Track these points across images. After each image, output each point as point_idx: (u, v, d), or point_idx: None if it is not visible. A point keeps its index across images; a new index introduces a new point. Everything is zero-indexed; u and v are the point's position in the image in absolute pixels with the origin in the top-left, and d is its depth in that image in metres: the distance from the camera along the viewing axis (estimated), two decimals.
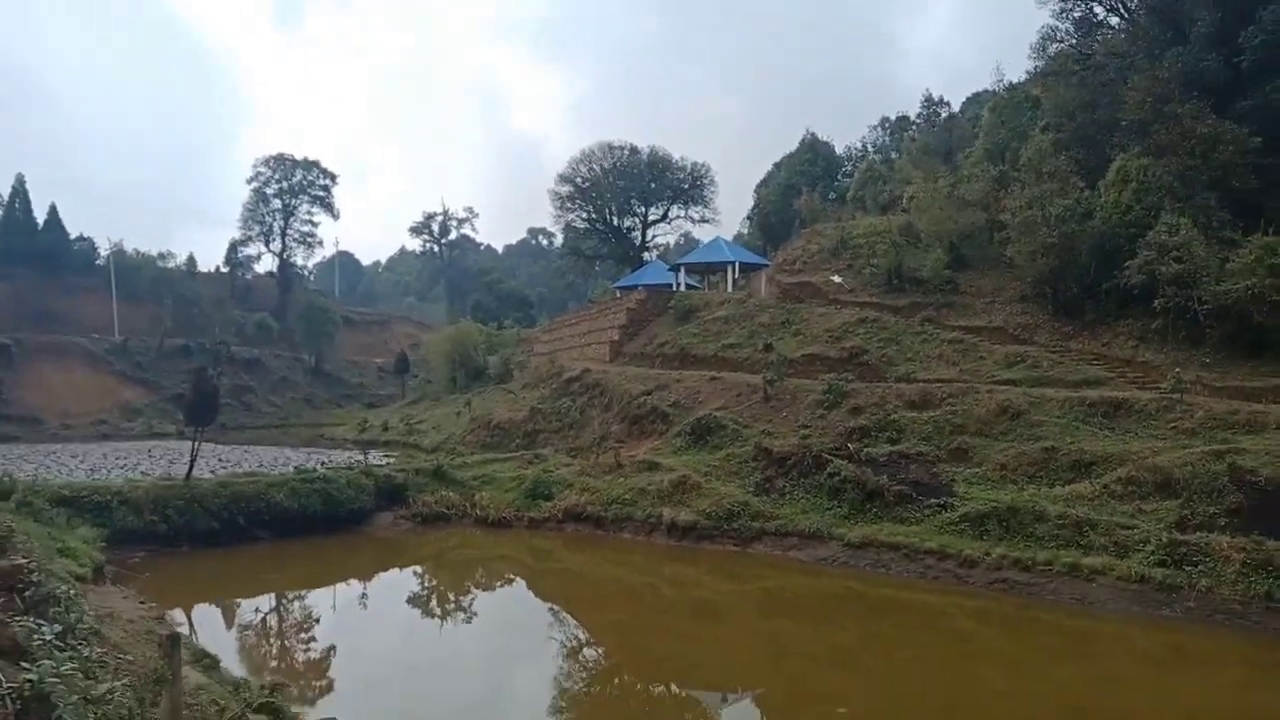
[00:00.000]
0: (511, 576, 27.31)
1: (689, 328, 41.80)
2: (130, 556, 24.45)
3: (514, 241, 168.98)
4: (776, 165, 76.67)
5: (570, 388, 40.91)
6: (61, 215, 77.47)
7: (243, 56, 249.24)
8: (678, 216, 72.56)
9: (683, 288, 50.92)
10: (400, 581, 27.21)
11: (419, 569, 28.32)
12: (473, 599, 25.74)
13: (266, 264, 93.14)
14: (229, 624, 22.93)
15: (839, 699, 15.83)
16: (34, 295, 71.68)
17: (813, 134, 70.62)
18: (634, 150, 69.67)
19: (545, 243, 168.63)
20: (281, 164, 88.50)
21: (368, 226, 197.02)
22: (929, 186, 42.58)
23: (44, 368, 62.22)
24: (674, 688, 17.16)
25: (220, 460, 40.36)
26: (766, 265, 50.42)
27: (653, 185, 70.16)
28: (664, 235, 79.04)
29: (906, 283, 38.88)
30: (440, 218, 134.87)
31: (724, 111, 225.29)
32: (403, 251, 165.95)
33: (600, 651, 20.14)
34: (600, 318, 48.66)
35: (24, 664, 4.72)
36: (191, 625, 20.53)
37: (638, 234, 73.07)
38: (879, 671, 17.08)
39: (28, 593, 7.09)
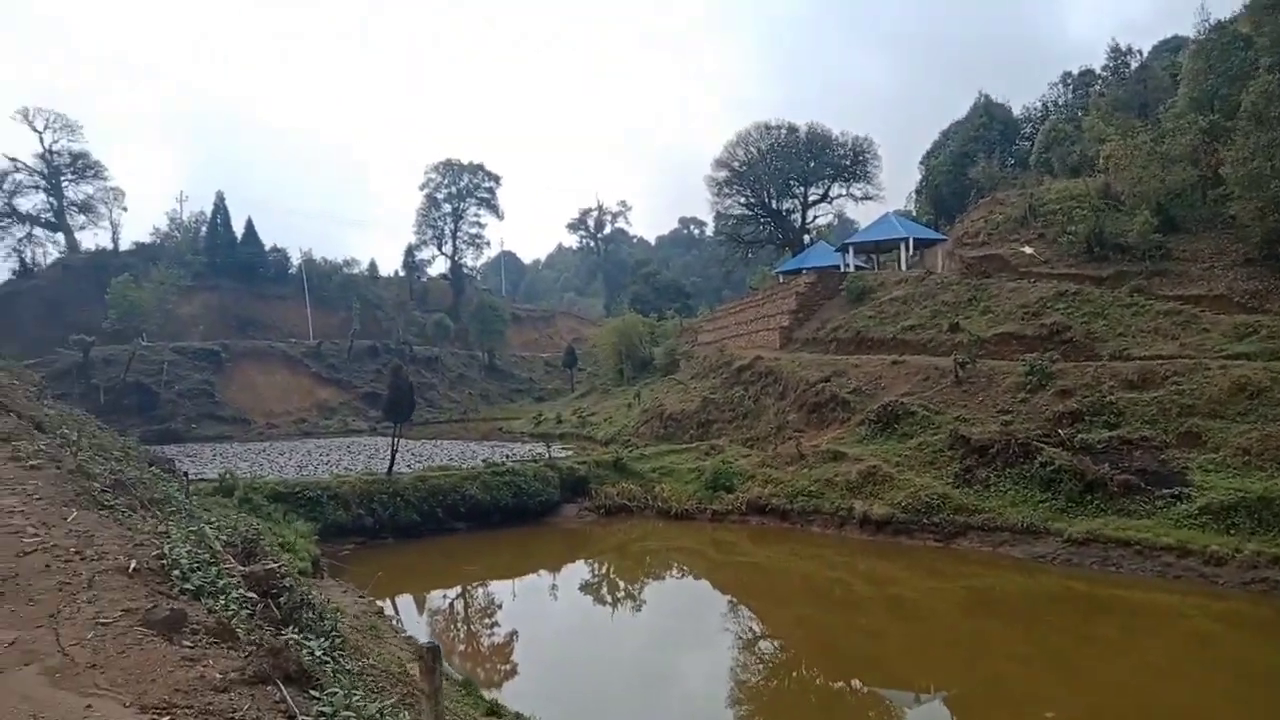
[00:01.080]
0: (694, 569, 27.11)
1: (864, 310, 40.11)
2: (341, 549, 26.03)
3: (666, 232, 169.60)
4: (944, 134, 72.63)
5: (741, 376, 40.27)
6: (256, 229, 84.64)
7: (407, 70, 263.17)
8: (839, 195, 70.17)
9: (851, 269, 49.05)
10: (587, 572, 27.66)
11: (604, 560, 28.67)
12: (655, 590, 25.73)
13: (439, 267, 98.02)
14: (431, 612, 24.07)
15: (1047, 703, 14.53)
16: (237, 304, 78.81)
17: (986, 96, 66.19)
18: (791, 129, 67.83)
19: (697, 231, 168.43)
20: (450, 169, 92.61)
21: (527, 226, 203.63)
22: (1127, 144, 38.73)
23: (249, 371, 68.06)
24: (858, 684, 16.59)
25: (412, 455, 42.51)
26: (943, 240, 47.69)
27: (812, 164, 68.07)
28: (824, 216, 76.86)
29: (1109, 250, 35.53)
30: (595, 213, 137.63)
31: (874, 84, 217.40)
32: (560, 248, 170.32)
33: (779, 645, 19.64)
34: (767, 304, 47.64)
35: (313, 692, 4.58)
36: (398, 613, 21.59)
37: (797, 217, 71.24)
38: (1097, 677, 15.46)
39: (282, 599, 7.15)
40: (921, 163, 71.23)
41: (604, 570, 27.63)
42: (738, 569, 26.39)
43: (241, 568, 7.26)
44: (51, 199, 79.44)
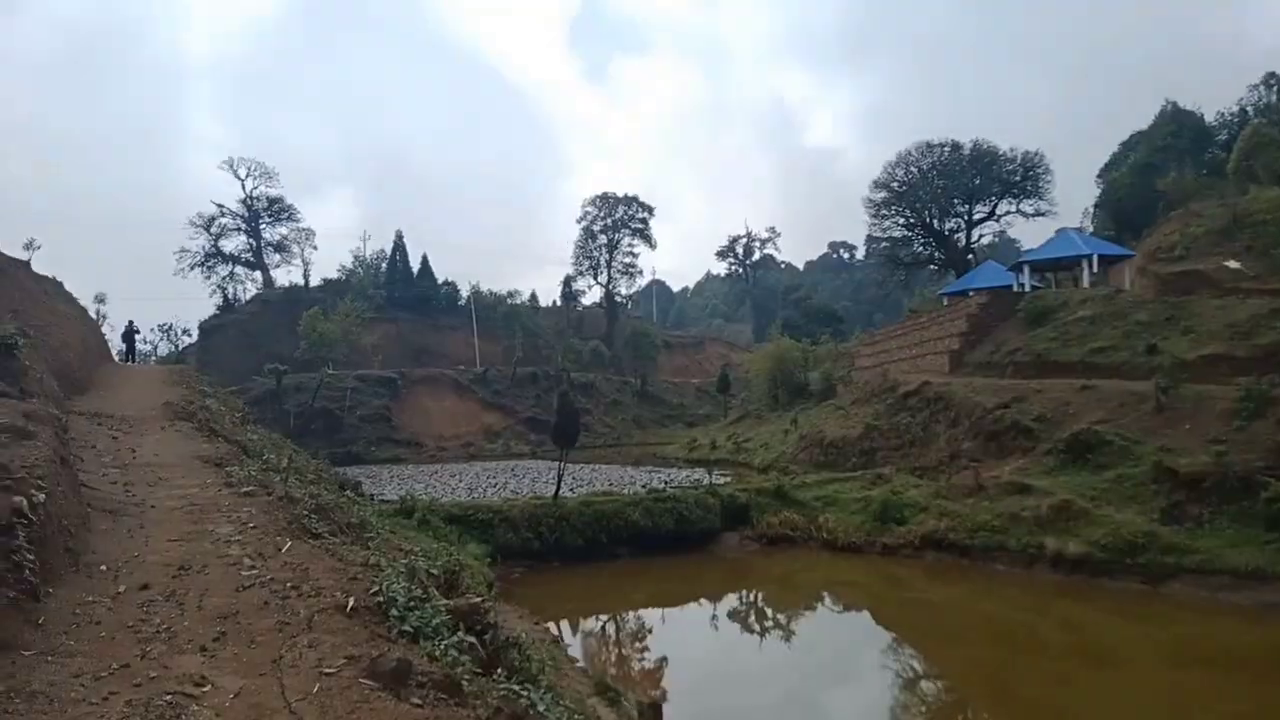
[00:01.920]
0: (863, 604, 25.89)
1: (1044, 331, 37.43)
2: (511, 572, 26.60)
3: (814, 257, 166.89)
4: (1125, 145, 67.79)
5: (908, 402, 38.43)
6: (430, 264, 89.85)
7: (558, 113, 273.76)
8: (1007, 212, 66.31)
9: (1026, 289, 46.04)
10: (749, 603, 26.98)
11: (767, 591, 27.86)
12: (819, 624, 24.87)
13: (593, 295, 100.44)
14: (597, 638, 24.10)
15: None
16: (412, 334, 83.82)
17: (1173, 104, 61.12)
18: (955, 146, 64.84)
19: (847, 256, 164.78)
20: (605, 202, 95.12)
21: (674, 254, 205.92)
22: None
23: (422, 397, 71.78)
24: None
25: (573, 478, 43.21)
26: (1130, 256, 43.98)
27: (977, 181, 64.79)
28: (988, 235, 72.96)
29: None
30: (744, 240, 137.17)
31: (1034, 98, 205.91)
32: (708, 275, 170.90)
33: (944, 685, 18.58)
34: (933, 326, 45.42)
35: None
36: (562, 636, 21.72)
37: (960, 237, 67.92)
38: None
39: (486, 635, 6.95)
40: (1099, 176, 66.57)
41: (766, 602, 26.89)
42: (911, 606, 24.95)
43: (445, 600, 7.21)
44: (251, 240, 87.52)
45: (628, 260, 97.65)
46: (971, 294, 49.28)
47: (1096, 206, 63.31)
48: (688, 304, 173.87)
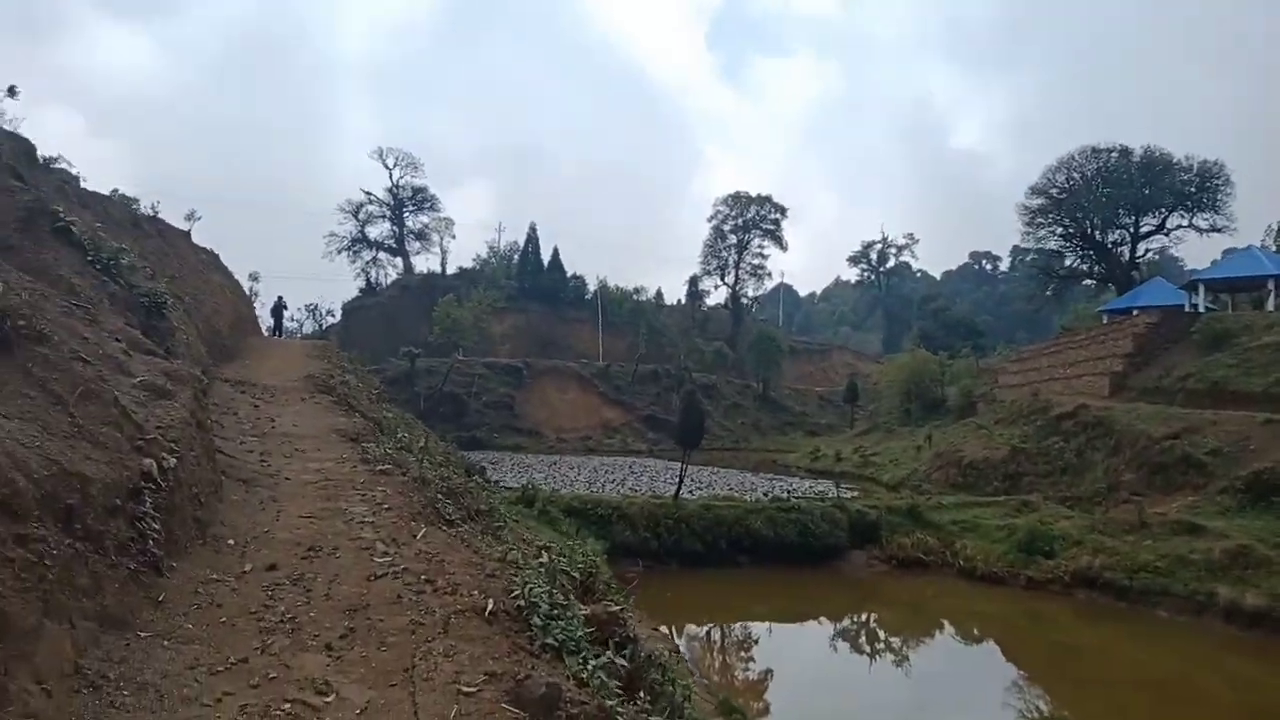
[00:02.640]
0: (1000, 640, 23.85)
1: (1223, 357, 33.83)
2: (628, 570, 25.99)
3: (953, 267, 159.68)
4: None
5: (1061, 425, 35.53)
6: (561, 257, 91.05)
7: (693, 111, 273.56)
8: (1178, 226, 60.74)
9: (1200, 309, 41.94)
10: (874, 626, 25.42)
11: (895, 616, 26.19)
12: (946, 654, 23.17)
13: (717, 296, 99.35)
14: (706, 645, 23.21)
15: None
16: (541, 326, 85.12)
17: None
18: (1124, 152, 59.83)
19: (989, 267, 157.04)
20: (738, 201, 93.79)
21: (802, 258, 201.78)
22: None
23: (545, 388, 72.69)
24: None
25: (691, 480, 42.40)
26: None
27: (1147, 191, 59.65)
28: (1154, 252, 67.28)
29: None
30: (879, 246, 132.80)
31: (1210, 103, 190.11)
32: (838, 282, 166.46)
33: None
34: (1092, 345, 41.97)
35: None
36: (677, 640, 20.96)
37: (1123, 250, 62.85)
38: None
39: (625, 650, 6.11)
40: None
41: (891, 627, 25.23)
42: (1051, 647, 22.77)
43: (581, 606, 6.48)
44: (394, 227, 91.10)
45: (756, 262, 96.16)
46: (1136, 313, 45.35)
47: None
48: (814, 310, 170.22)
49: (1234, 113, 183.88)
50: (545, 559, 6.49)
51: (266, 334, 31.72)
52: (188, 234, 21.25)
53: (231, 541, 5.70)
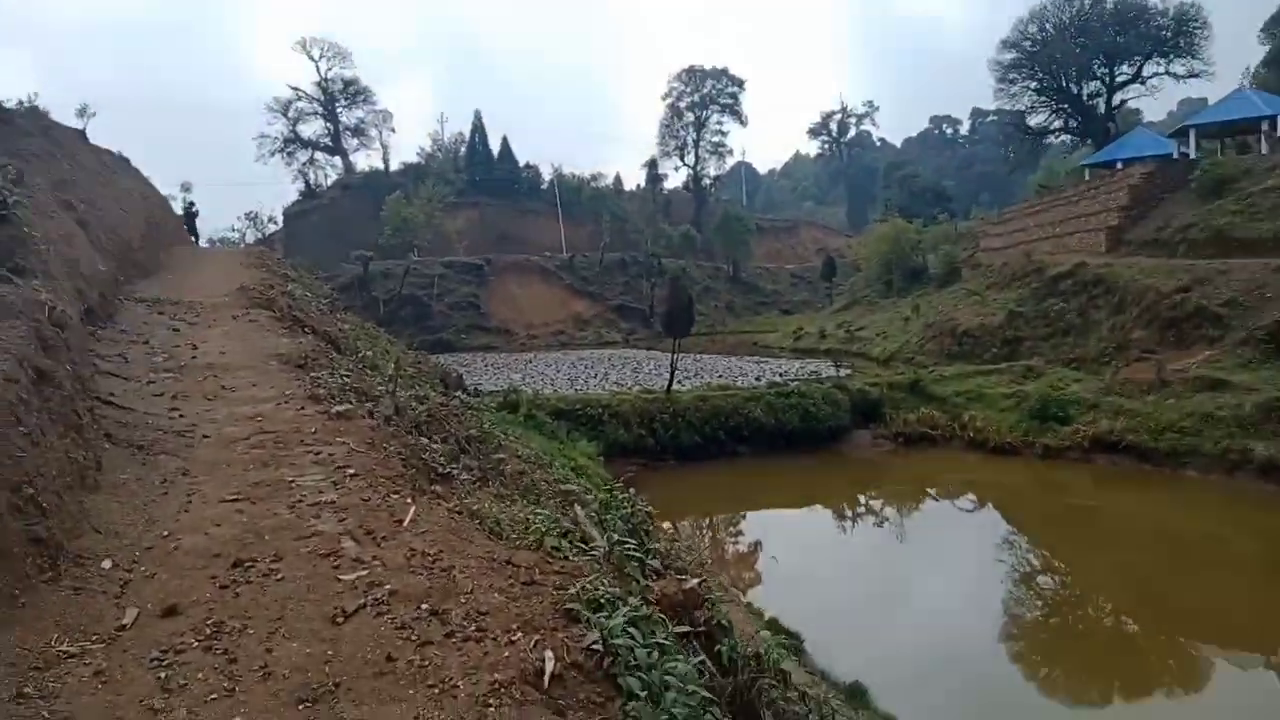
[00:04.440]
0: (1011, 508, 22.82)
1: (1225, 204, 32.16)
2: (624, 471, 24.34)
3: (914, 134, 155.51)
4: None
5: (1059, 286, 33.94)
6: (511, 147, 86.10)
7: None
8: (1154, 74, 58.05)
9: (1192, 157, 40.06)
10: (882, 504, 24.37)
11: (903, 493, 25.07)
12: (957, 527, 22.38)
13: (676, 179, 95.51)
14: (719, 543, 21.88)
15: None
16: (497, 220, 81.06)
17: None
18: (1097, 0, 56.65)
19: (950, 131, 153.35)
20: (693, 76, 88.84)
21: (758, 135, 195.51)
22: None
23: (510, 284, 69.63)
24: (1183, 641, 14.20)
25: (678, 370, 40.77)
26: None
27: (1121, 39, 56.66)
28: (1131, 101, 64.61)
29: None
30: (839, 116, 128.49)
31: None
32: (797, 156, 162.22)
33: (1072, 585, 17.36)
34: (1083, 201, 40.07)
35: None
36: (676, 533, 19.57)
37: (1099, 103, 60.26)
38: None
39: (719, 647, 4.08)
40: (1264, 30, 57.52)
41: (899, 503, 24.14)
42: (1070, 512, 21.80)
43: (647, 582, 4.38)
44: (329, 124, 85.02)
45: (717, 140, 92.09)
46: (1120, 165, 43.38)
47: (1264, 66, 54.57)
48: (775, 186, 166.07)
49: None
50: (602, 541, 4.34)
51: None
52: (82, 133, 17.96)
53: (108, 564, 3.47)
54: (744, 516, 23.65)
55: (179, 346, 8.54)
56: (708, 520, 23.34)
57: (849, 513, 24.04)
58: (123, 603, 3.18)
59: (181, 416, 5.66)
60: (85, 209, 12.42)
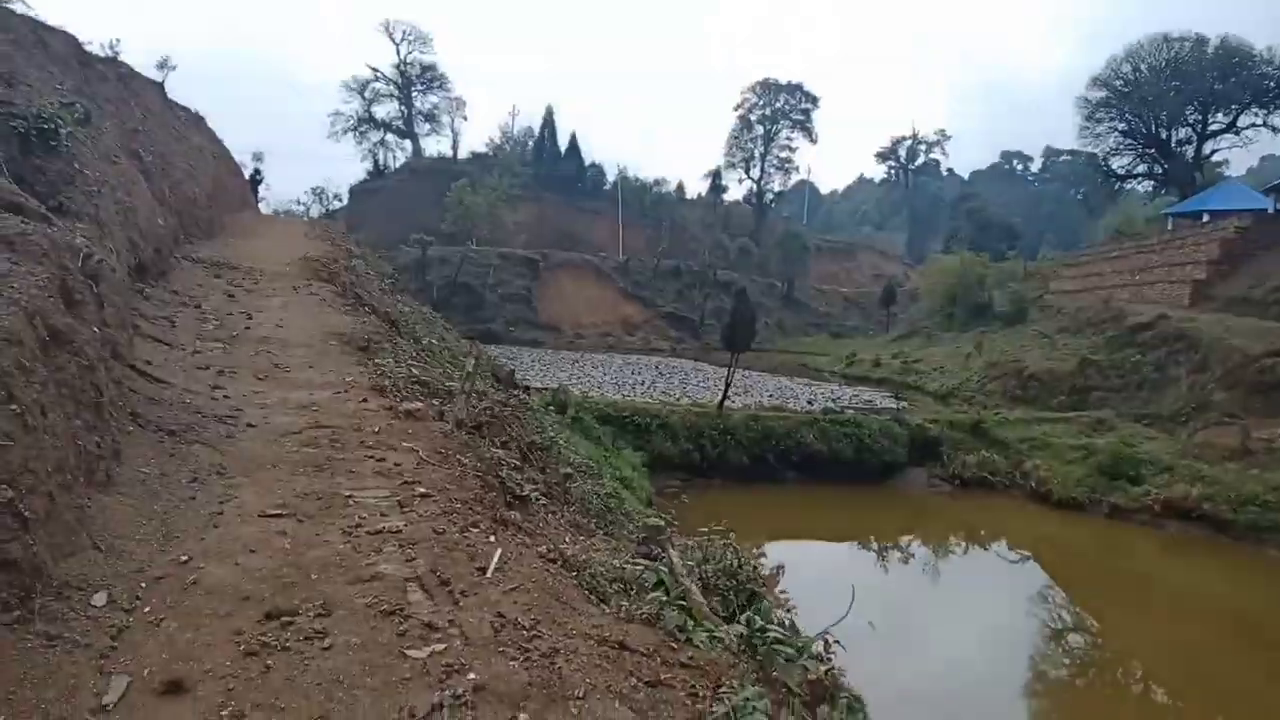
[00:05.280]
0: (1064, 569, 21.30)
1: None
2: (668, 485, 23.44)
3: (983, 167, 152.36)
4: None
5: (1137, 337, 32.27)
6: (579, 145, 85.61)
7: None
8: (1251, 125, 55.46)
9: None
10: (927, 550, 23.02)
11: (954, 537, 23.75)
12: (1003, 580, 20.84)
13: (738, 192, 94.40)
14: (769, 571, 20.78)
15: None
16: (557, 217, 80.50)
17: None
18: (1199, 42, 53.98)
19: (1020, 167, 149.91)
20: (766, 89, 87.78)
21: (823, 156, 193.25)
22: None
23: (563, 281, 69.10)
24: None
25: (721, 384, 39.69)
26: None
27: (1219, 86, 54.23)
28: (1223, 151, 61.91)
29: None
30: (909, 142, 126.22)
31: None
32: (860, 180, 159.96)
33: (1118, 652, 15.73)
34: (1167, 250, 38.25)
35: None
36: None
37: (1188, 150, 57.80)
38: None
39: None
40: None
41: (950, 550, 22.87)
42: (1126, 578, 20.33)
43: (801, 693, 3.44)
44: (403, 107, 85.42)
45: (784, 155, 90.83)
46: (1207, 217, 41.43)
47: None
48: (835, 207, 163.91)
49: None
50: (712, 615, 3.38)
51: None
52: (160, 85, 17.58)
53: (101, 599, 2.66)
54: (796, 545, 22.56)
55: (233, 315, 7.86)
56: (755, 549, 22.27)
57: (896, 554, 22.81)
58: (110, 666, 2.34)
59: (226, 397, 4.89)
60: (152, 160, 11.92)
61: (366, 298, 11.36)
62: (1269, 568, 20.42)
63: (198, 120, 20.19)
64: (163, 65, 18.67)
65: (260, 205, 31.07)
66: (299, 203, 73.37)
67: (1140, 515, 23.09)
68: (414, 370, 6.32)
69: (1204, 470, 23.34)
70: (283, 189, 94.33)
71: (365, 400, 5.11)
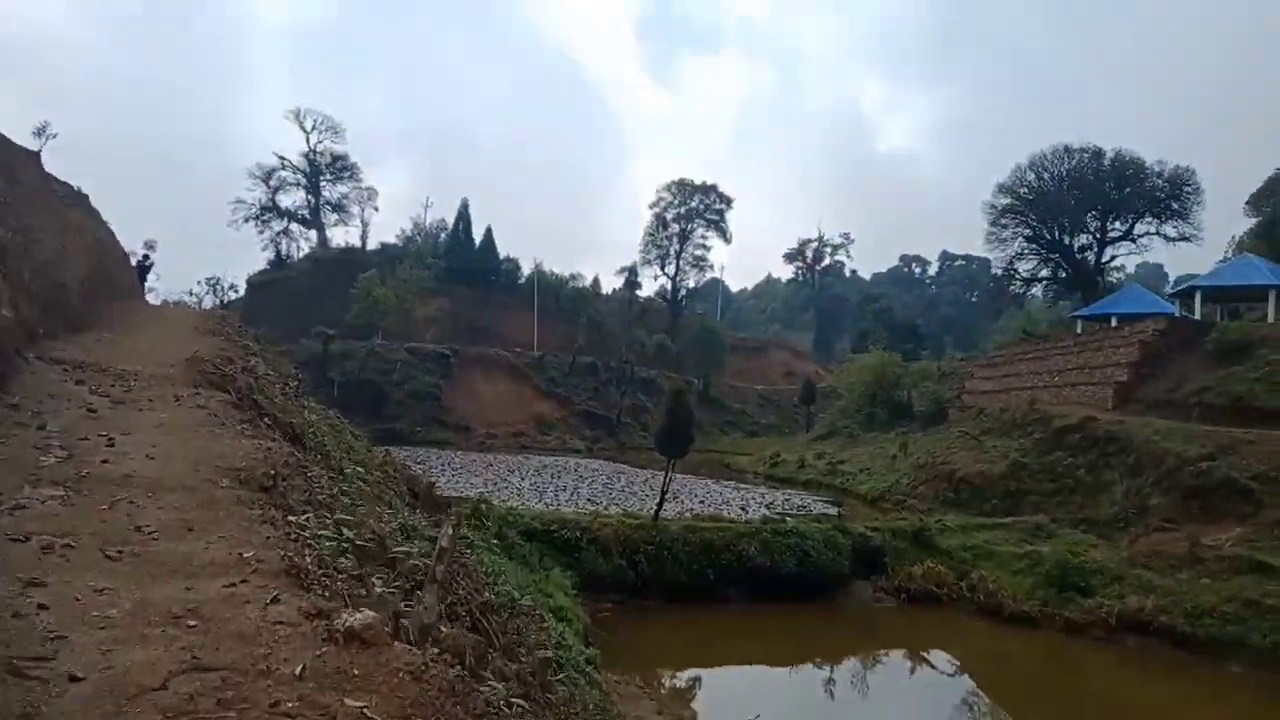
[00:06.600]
0: (1026, 696, 20.00)
1: (1242, 370, 31.13)
2: (601, 609, 21.33)
3: (883, 269, 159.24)
4: None
5: (1065, 439, 32.27)
6: (494, 238, 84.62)
7: (622, 103, 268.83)
8: (1145, 233, 59.02)
9: (1196, 318, 39.70)
10: (884, 672, 21.45)
11: (906, 662, 22.22)
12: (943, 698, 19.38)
13: (651, 288, 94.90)
14: (700, 702, 18.64)
15: None
16: (470, 311, 78.59)
17: None
18: (1096, 154, 57.72)
19: (918, 270, 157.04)
20: (682, 189, 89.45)
21: (732, 254, 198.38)
22: None
23: (474, 378, 66.66)
24: None
25: (645, 486, 37.89)
26: None
27: (1115, 195, 57.77)
28: (1121, 257, 65.44)
29: None
30: (815, 244, 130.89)
31: (1127, 115, 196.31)
32: (768, 279, 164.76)
33: None
34: (1086, 353, 39.04)
35: None
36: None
37: (1088, 256, 60.92)
38: None
39: None
40: (1249, 204, 59.22)
41: (904, 673, 21.38)
42: (1091, 700, 19.08)
43: None
44: (310, 197, 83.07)
45: (699, 253, 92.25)
46: (1114, 321, 42.91)
47: (1256, 235, 55.64)
48: (745, 306, 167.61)
49: (1190, 129, 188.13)
50: None
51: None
52: (36, 155, 15.36)
53: None
54: (732, 672, 20.65)
55: (88, 439, 5.79)
56: (689, 676, 20.24)
57: (845, 677, 21.12)
58: None
59: (42, 609, 2.93)
60: (11, 236, 9.74)
61: (268, 407, 9.30)
62: (1231, 684, 19.57)
63: (80, 198, 17.93)
64: (40, 132, 16.49)
65: (149, 296, 28.24)
66: (191, 293, 69.39)
67: (1095, 629, 22.12)
68: (344, 529, 4.41)
69: (1155, 580, 22.69)
70: (175, 281, 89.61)
71: (276, 600, 3.22)
